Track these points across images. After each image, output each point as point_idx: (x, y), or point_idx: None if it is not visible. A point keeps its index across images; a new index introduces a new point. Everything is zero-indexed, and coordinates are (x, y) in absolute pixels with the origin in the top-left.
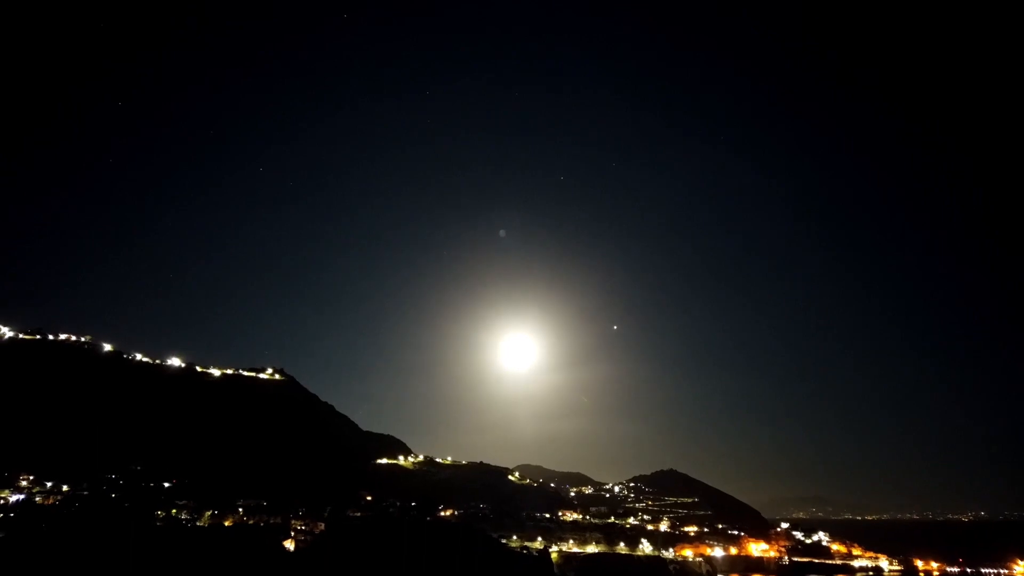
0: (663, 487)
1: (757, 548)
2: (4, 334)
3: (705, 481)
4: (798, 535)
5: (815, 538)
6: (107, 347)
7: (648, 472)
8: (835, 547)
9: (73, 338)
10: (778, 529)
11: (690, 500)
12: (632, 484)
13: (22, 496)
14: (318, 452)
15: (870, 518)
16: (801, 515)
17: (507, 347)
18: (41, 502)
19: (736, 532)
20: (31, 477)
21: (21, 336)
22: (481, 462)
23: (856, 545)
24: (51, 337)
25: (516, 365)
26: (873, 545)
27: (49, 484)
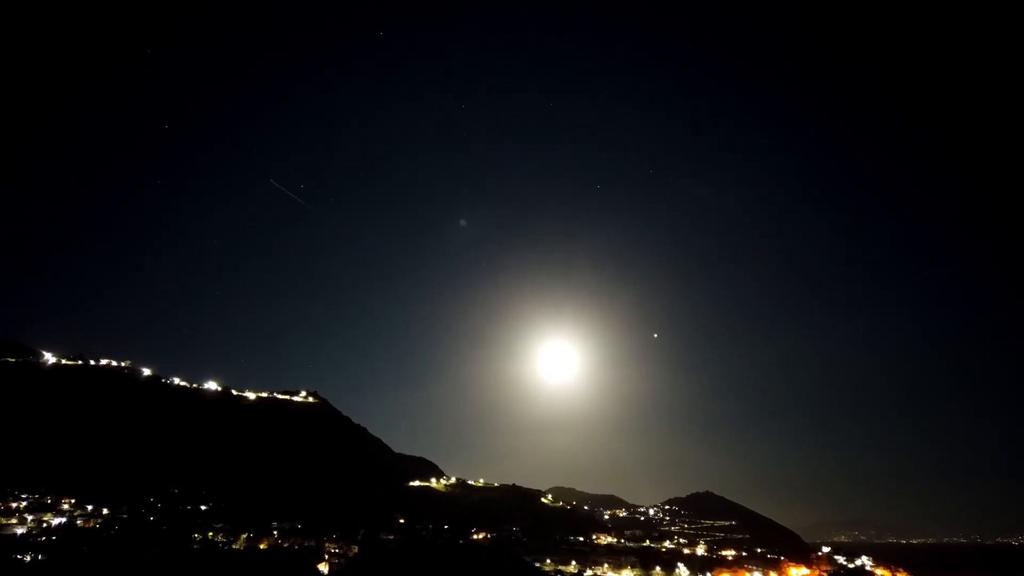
0: (699, 510)
1: (798, 573)
2: (47, 360)
3: (743, 504)
4: (840, 559)
5: (858, 563)
6: (146, 372)
7: (683, 494)
8: (879, 572)
9: (114, 363)
10: (819, 553)
11: (727, 523)
12: (667, 507)
13: (64, 519)
14: (351, 475)
15: (915, 542)
16: (843, 538)
17: (543, 361)
18: (82, 525)
19: (776, 556)
20: (72, 500)
21: (64, 362)
22: (514, 484)
23: (901, 570)
24: (92, 362)
25: (551, 380)
26: (919, 570)
27: (90, 507)
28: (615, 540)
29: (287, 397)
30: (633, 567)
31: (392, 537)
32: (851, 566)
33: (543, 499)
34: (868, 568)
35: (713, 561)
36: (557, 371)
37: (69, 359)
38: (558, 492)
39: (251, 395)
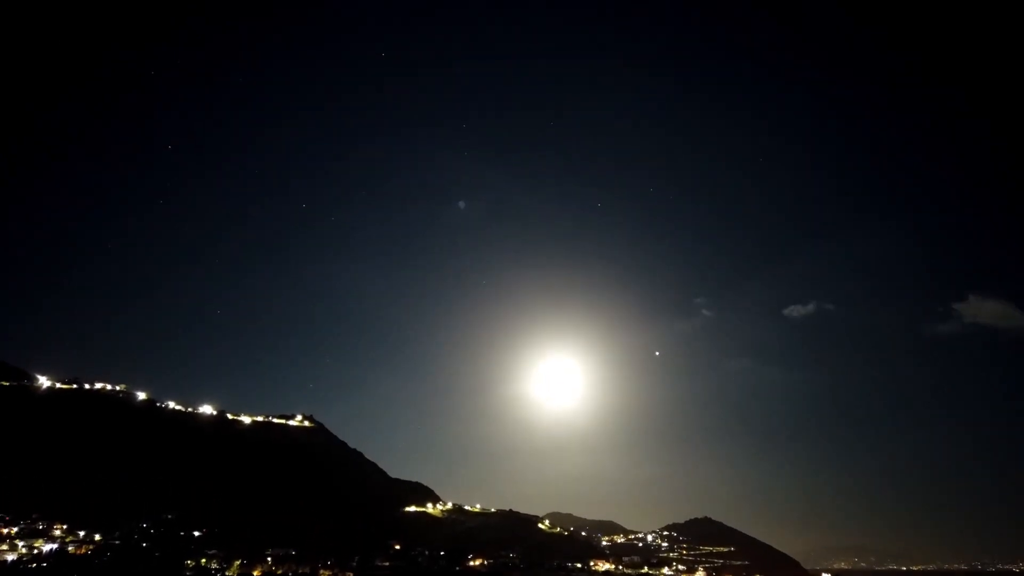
0: (698, 535)
1: None
2: (42, 384)
3: (741, 529)
4: None
5: None
6: (141, 395)
7: (682, 520)
8: None
9: (108, 387)
10: None
11: (726, 549)
12: (666, 532)
13: (55, 546)
14: (346, 500)
15: (915, 568)
16: (843, 565)
17: (541, 381)
18: (74, 552)
19: None
20: (64, 526)
21: (59, 385)
22: (511, 510)
23: None
24: (87, 386)
25: (548, 401)
26: None
27: (82, 533)
28: (613, 567)
29: (283, 421)
30: None
31: (387, 564)
32: None
33: (540, 525)
34: None
35: None
36: (555, 391)
37: (64, 383)
38: (555, 518)
39: (246, 419)
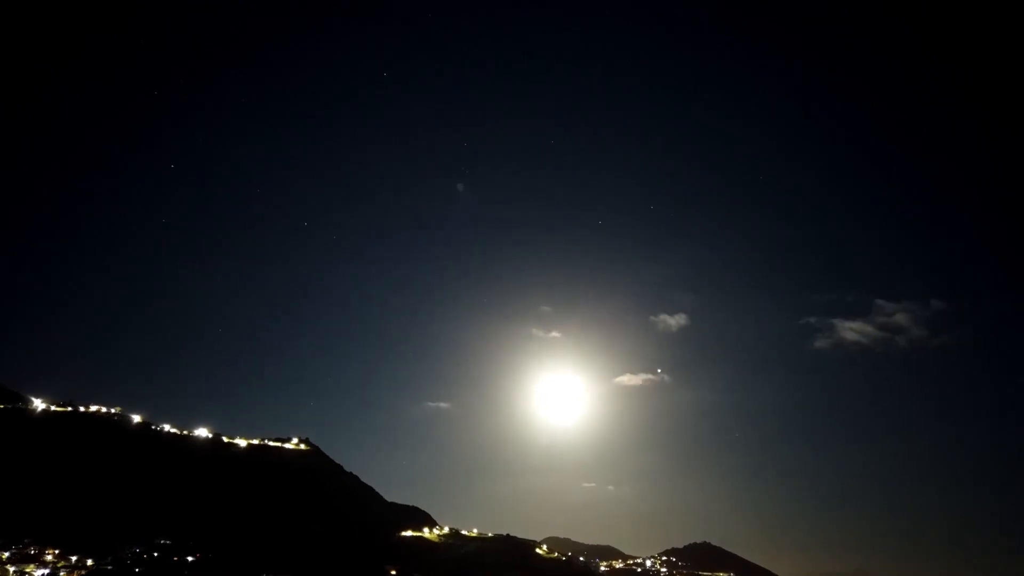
0: (697, 561)
1: None
2: (36, 407)
3: (740, 554)
4: None
5: None
6: (136, 418)
7: (680, 545)
8: None
9: (103, 409)
10: None
11: (726, 575)
12: (664, 558)
13: (47, 571)
14: (342, 525)
15: None
16: None
17: (541, 400)
18: None
19: None
20: (57, 551)
21: (53, 408)
22: (508, 535)
23: None
24: (82, 409)
25: (548, 421)
26: None
27: (74, 558)
28: None
29: (279, 444)
30: None
31: None
32: None
33: (538, 550)
34: None
35: None
36: (556, 409)
37: (59, 405)
38: (553, 543)
39: (242, 442)
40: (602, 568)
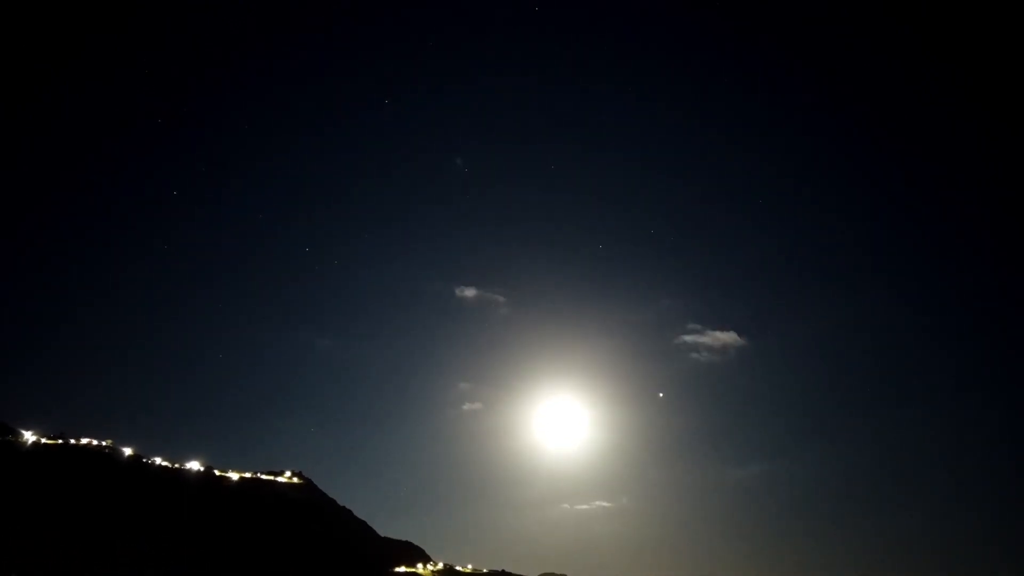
0: None
1: None
2: (27, 440)
3: None
4: None
5: None
6: (127, 451)
7: None
8: None
9: (95, 442)
10: None
11: None
12: None
13: None
14: (335, 561)
15: None
16: None
17: (540, 425)
18: None
19: None
20: None
21: (44, 441)
22: (503, 571)
23: None
24: (72, 441)
25: (547, 448)
26: None
27: None
28: None
29: (271, 477)
30: None
31: None
32: None
33: None
34: None
35: None
36: (556, 434)
37: (50, 438)
38: None
39: (234, 476)
40: None
